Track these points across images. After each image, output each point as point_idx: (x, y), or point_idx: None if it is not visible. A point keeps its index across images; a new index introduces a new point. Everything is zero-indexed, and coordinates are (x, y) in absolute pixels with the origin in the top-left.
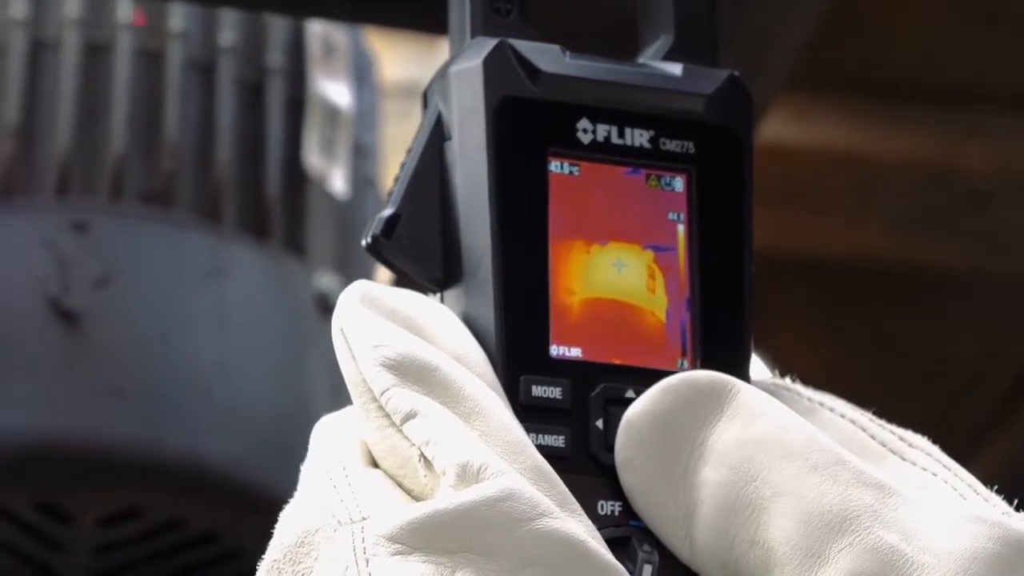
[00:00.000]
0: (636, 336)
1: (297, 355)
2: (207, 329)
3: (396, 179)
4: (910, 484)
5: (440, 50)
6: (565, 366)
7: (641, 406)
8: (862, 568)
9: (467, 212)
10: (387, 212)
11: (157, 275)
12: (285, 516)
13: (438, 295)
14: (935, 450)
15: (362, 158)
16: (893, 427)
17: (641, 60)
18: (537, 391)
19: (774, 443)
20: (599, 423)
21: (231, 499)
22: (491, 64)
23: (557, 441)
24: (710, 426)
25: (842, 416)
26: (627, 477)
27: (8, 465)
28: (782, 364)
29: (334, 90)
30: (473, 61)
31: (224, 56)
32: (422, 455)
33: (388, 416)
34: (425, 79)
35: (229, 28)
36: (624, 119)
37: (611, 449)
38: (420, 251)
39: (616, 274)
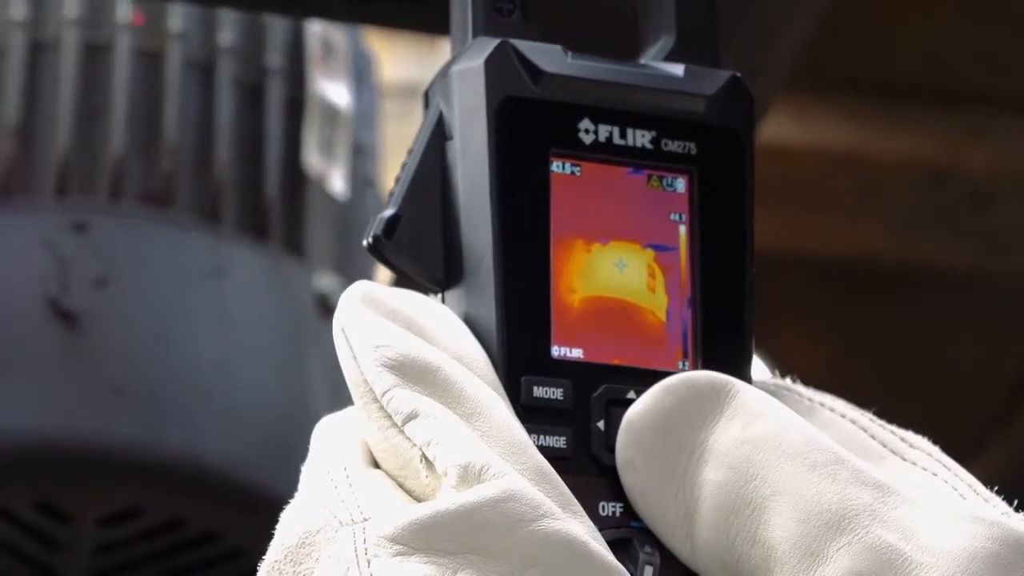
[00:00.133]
0: (637, 336)
1: (297, 355)
2: (207, 329)
3: (397, 179)
4: (910, 484)
5: (440, 50)
6: (566, 367)
7: (641, 407)
8: (861, 567)
9: (468, 212)
10: (388, 212)
11: (157, 275)
12: (286, 517)
13: (439, 295)
14: (935, 450)
15: (361, 158)
16: (893, 427)
17: (643, 61)
18: (538, 392)
19: (773, 442)
20: (600, 424)
21: (231, 499)
22: (493, 64)
23: (558, 442)
24: (710, 426)
25: (842, 416)
26: (628, 478)
27: (8, 465)
28: (782, 364)
29: (333, 90)
30: (475, 61)
31: (223, 56)
32: (423, 456)
33: (389, 417)
34: (425, 79)
35: (228, 28)
36: (626, 120)
37: (612, 450)
38: (421, 251)
39: (617, 273)
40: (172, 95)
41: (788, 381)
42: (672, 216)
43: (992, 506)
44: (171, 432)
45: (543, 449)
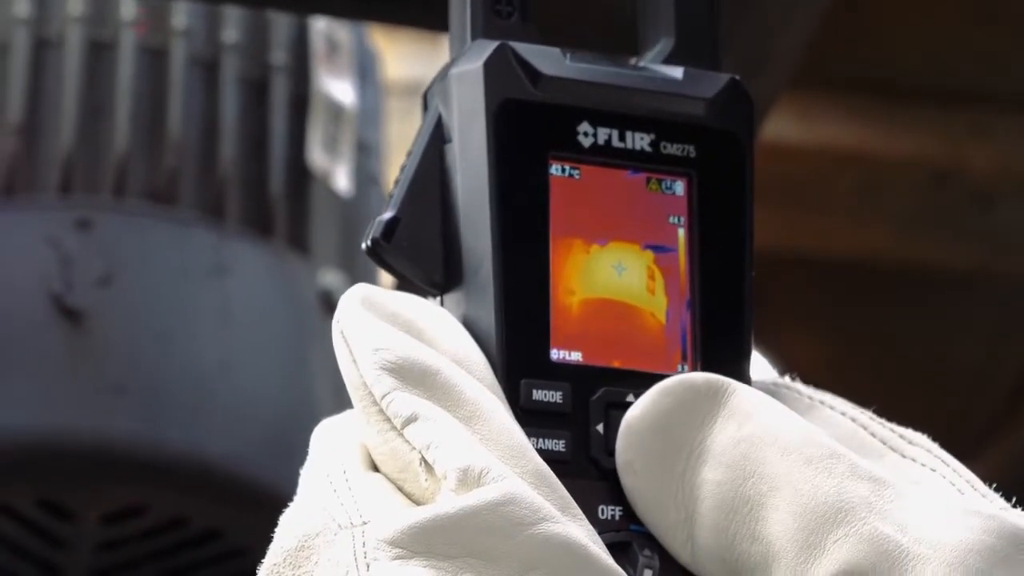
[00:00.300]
0: (636, 338)
1: (301, 352)
2: (210, 327)
3: (396, 181)
4: (907, 479)
5: (444, 48)
6: (566, 370)
7: (640, 409)
8: (858, 559)
9: (467, 215)
10: (387, 215)
11: (160, 273)
12: (285, 520)
13: (438, 298)
14: (935, 447)
15: (366, 156)
16: (893, 425)
17: (642, 63)
18: (538, 395)
19: (769, 439)
20: (600, 427)
21: (234, 497)
22: (492, 67)
23: (558, 445)
24: (707, 427)
25: (842, 414)
26: (628, 480)
27: (11, 462)
28: (783, 363)
29: (338, 88)
30: (474, 63)
31: (228, 53)
32: (423, 459)
33: (389, 420)
34: (429, 77)
35: (233, 25)
36: (625, 122)
37: (611, 453)
38: (420, 254)
39: (616, 275)
40: (176, 92)
41: (788, 380)
42: (671, 219)
43: (990, 501)
44: (174, 430)
45: (542, 452)
